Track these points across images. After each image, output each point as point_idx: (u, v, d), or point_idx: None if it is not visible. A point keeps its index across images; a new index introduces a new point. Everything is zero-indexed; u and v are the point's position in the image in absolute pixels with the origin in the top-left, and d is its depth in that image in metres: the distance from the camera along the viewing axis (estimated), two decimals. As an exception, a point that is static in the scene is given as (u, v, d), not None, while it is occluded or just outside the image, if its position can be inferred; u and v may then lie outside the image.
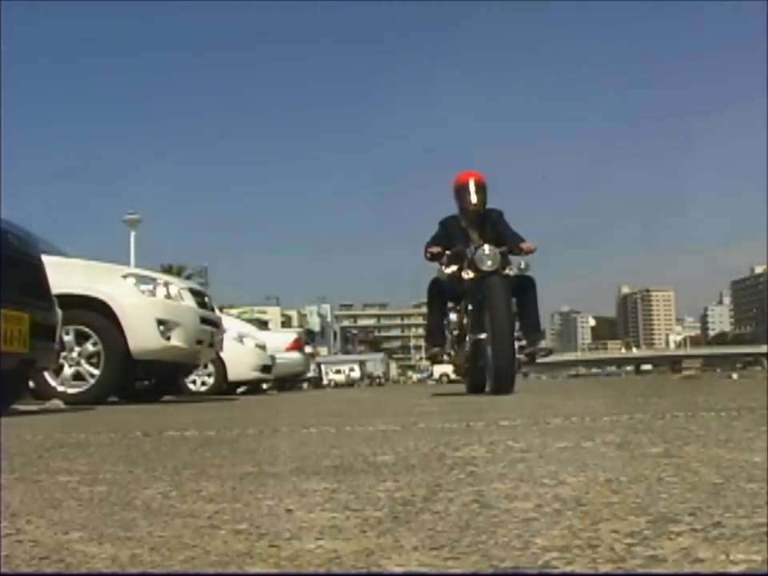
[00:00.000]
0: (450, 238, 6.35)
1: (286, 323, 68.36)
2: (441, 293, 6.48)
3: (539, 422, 2.38)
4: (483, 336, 5.79)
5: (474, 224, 6.46)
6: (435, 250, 6.22)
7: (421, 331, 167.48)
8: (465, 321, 6.25)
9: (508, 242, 6.23)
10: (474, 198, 6.39)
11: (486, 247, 5.93)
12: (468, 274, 5.94)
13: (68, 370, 6.73)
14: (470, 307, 6.08)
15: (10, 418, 4.22)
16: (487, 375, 5.88)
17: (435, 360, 6.83)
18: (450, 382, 43.50)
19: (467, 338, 6.12)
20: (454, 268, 6.13)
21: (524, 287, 6.14)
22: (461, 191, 6.47)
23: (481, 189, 6.47)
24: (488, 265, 5.86)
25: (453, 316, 6.48)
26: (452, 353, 6.53)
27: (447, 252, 6.22)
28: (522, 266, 6.13)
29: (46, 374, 6.54)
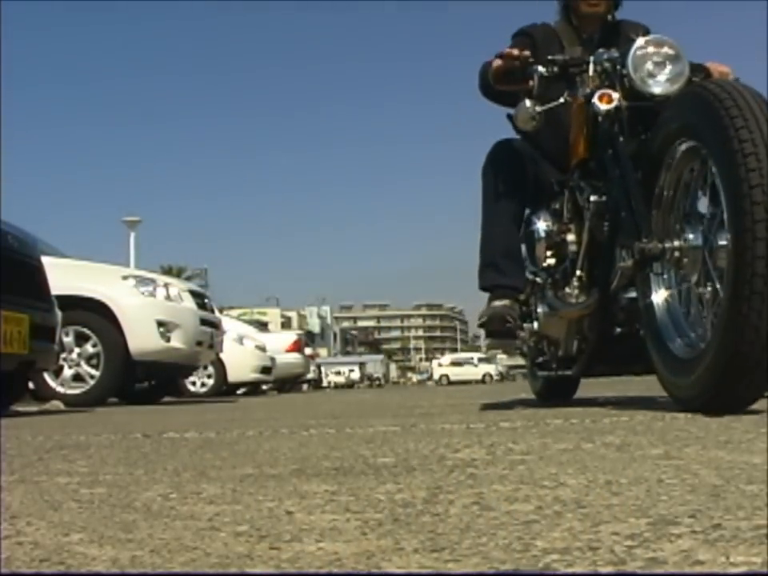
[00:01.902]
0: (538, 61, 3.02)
1: (286, 324, 68.31)
2: (518, 172, 3.20)
3: (539, 423, 2.38)
4: (673, 245, 2.55)
5: (591, 41, 3.25)
6: (518, 52, 2.94)
7: (421, 332, 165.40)
8: (573, 238, 3.06)
9: None
10: None
11: (653, 41, 2.71)
12: (610, 100, 2.73)
13: (68, 372, 6.74)
14: (591, 198, 2.93)
15: (9, 419, 4.22)
16: (659, 359, 2.74)
17: (500, 329, 3.07)
18: (450, 383, 42.68)
19: (577, 275, 2.98)
20: (559, 101, 2.93)
21: None
22: None
23: None
24: (666, 76, 2.68)
25: (541, 224, 3.15)
26: (541, 310, 3.17)
27: (541, 69, 2.93)
28: None
29: (46, 376, 6.57)
